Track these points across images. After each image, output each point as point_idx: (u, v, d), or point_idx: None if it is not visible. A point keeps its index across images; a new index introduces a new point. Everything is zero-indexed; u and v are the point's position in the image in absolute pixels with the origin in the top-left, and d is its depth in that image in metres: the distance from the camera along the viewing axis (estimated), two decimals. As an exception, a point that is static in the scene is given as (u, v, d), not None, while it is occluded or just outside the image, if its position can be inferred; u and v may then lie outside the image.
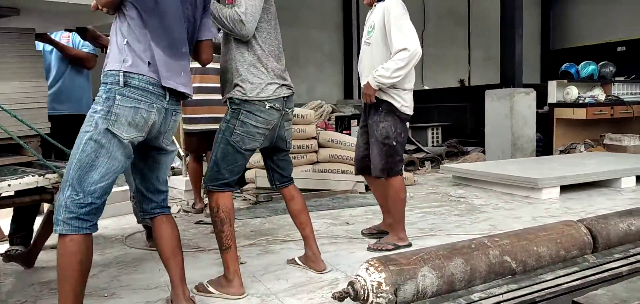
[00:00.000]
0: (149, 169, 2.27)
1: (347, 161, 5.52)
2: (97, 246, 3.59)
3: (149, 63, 2.03)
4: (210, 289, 2.63)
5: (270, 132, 2.71)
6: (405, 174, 5.87)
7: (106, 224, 4.15)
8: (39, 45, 3.35)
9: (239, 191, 5.70)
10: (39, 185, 2.10)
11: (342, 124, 6.81)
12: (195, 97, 3.50)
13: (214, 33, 2.41)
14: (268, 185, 5.09)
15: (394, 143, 3.24)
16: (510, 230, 2.89)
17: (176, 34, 2.15)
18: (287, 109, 2.75)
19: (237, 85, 2.60)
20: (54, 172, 2.21)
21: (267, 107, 2.62)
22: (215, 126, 3.51)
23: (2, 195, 2.07)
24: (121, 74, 1.99)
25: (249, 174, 5.44)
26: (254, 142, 2.66)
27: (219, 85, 2.76)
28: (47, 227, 2.91)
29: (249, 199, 5.24)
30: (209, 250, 3.44)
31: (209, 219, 4.35)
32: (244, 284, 2.64)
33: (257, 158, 5.27)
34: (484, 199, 4.98)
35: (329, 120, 7.31)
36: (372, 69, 3.21)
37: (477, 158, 7.49)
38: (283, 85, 2.71)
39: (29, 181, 2.05)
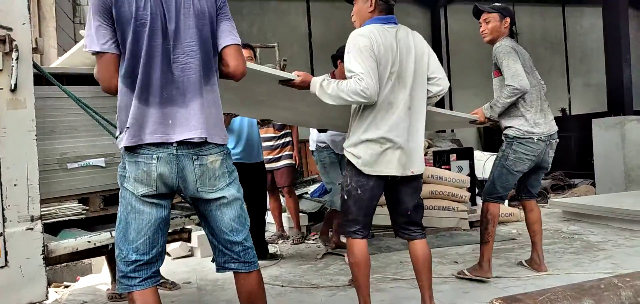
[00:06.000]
0: (210, 221, 2.02)
1: (449, 197, 5.42)
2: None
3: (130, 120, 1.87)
4: (466, 273, 3.48)
5: (537, 158, 3.36)
6: (510, 209, 5.68)
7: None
8: None
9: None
10: (184, 227, 2.31)
11: (440, 159, 6.74)
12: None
13: (234, 40, 2.02)
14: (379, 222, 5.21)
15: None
16: (641, 269, 2.72)
17: (156, 80, 1.88)
18: (552, 140, 3.40)
19: (512, 124, 3.32)
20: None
21: (535, 140, 3.30)
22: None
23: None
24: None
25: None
26: (523, 166, 3.37)
27: None
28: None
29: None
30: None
31: (337, 251, 4.53)
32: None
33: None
34: (600, 235, 4.71)
35: (425, 155, 7.27)
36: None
37: (587, 191, 7.09)
38: (550, 121, 3.39)
39: (177, 222, 2.26)
